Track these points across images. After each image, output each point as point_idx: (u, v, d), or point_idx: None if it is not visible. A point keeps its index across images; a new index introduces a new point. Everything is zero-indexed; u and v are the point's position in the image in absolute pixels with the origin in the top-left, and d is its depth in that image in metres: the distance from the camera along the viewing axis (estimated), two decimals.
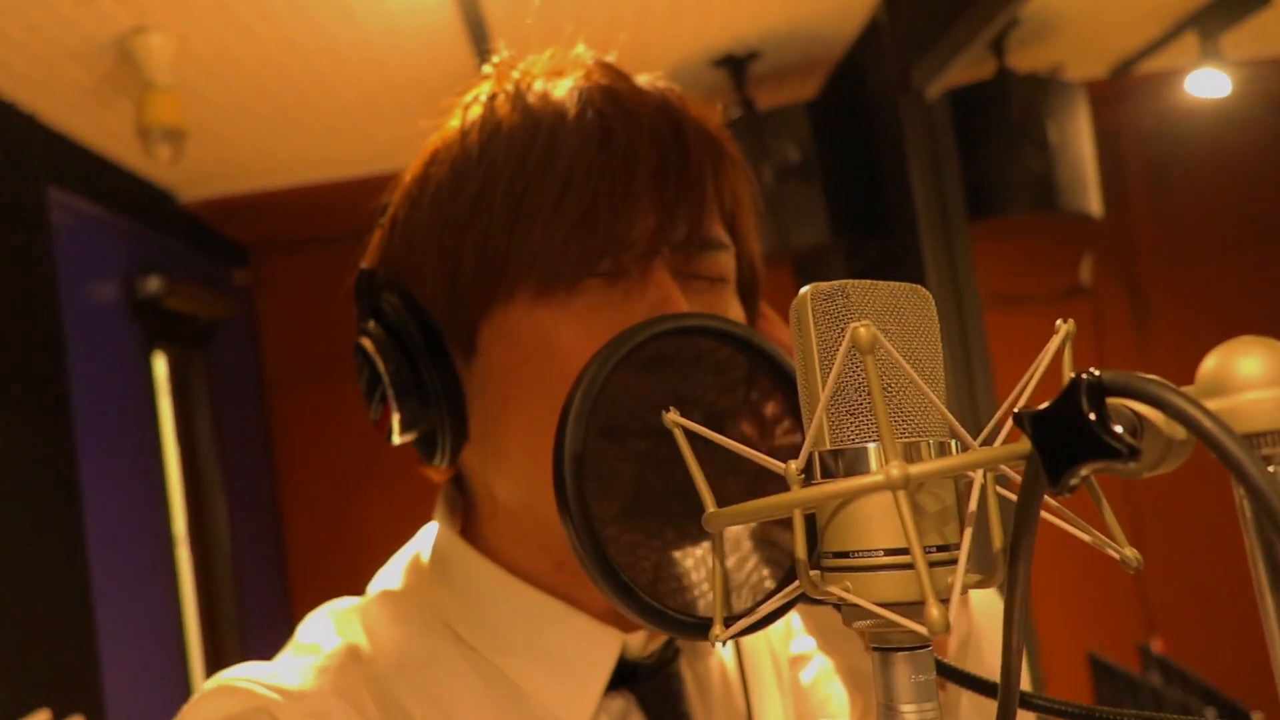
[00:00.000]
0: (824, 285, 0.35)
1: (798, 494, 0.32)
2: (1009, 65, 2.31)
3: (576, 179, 0.53)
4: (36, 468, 1.90)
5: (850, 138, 2.26)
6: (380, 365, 0.56)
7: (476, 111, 0.58)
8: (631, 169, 0.53)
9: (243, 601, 2.77)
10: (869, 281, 0.35)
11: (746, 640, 0.67)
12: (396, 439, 0.58)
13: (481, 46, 1.86)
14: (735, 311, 0.60)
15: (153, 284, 2.43)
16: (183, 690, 2.41)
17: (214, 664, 2.64)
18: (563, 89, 0.56)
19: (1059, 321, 0.35)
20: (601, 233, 0.53)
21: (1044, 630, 2.43)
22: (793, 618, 0.71)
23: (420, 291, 0.57)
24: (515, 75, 0.59)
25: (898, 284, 0.36)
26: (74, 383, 2.05)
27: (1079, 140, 2.28)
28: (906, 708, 0.34)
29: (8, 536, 1.78)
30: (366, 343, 0.57)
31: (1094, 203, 2.30)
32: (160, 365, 2.65)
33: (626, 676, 0.59)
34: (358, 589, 0.66)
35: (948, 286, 2.04)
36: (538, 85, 0.57)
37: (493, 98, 0.58)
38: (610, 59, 0.60)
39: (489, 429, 0.57)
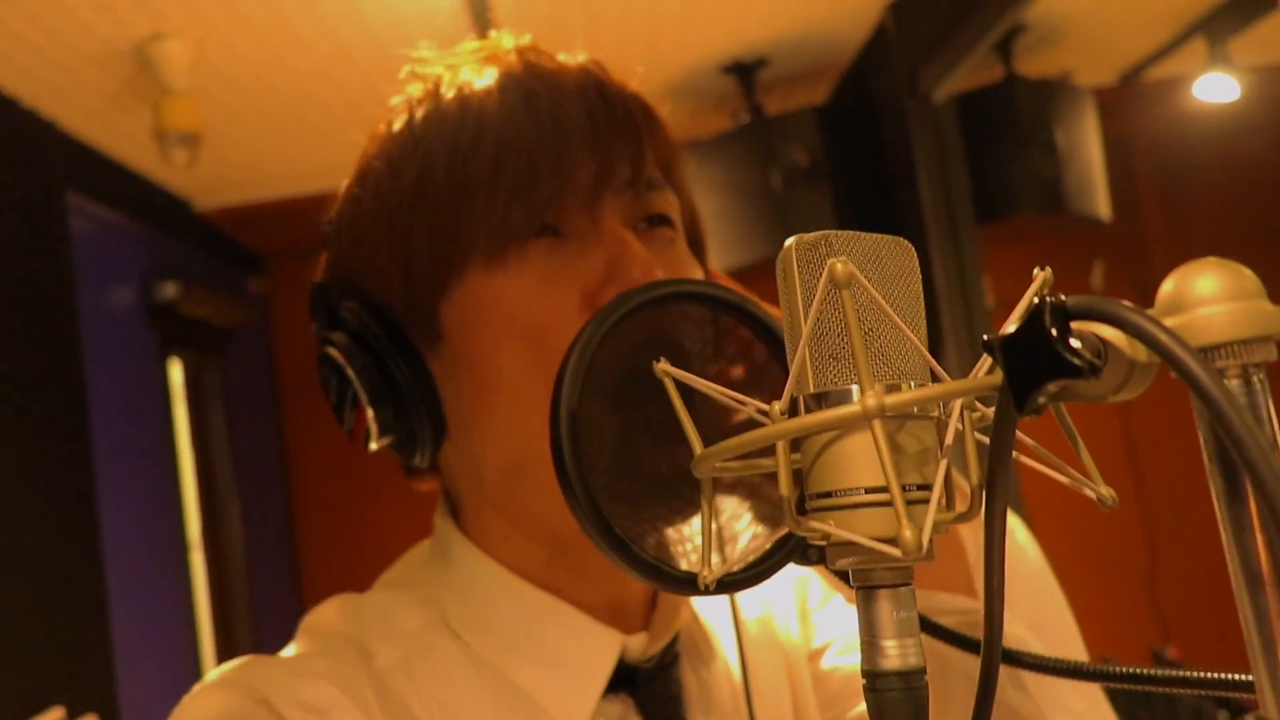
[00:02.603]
0: (808, 235, 0.36)
1: (779, 426, 0.33)
2: (1017, 70, 2.33)
3: (510, 144, 0.53)
4: (53, 471, 1.93)
5: (858, 142, 2.27)
6: (349, 370, 0.56)
7: (402, 112, 0.59)
8: (562, 125, 0.54)
9: (255, 605, 2.79)
10: (852, 232, 0.36)
11: (754, 648, 0.66)
12: (374, 444, 0.57)
13: None
14: (693, 265, 0.61)
15: (169, 290, 2.46)
16: None
17: None
18: (484, 74, 0.57)
19: (1036, 270, 0.36)
20: (542, 187, 0.53)
21: None
22: (813, 610, 0.71)
23: (376, 287, 0.58)
24: (437, 72, 0.59)
25: (881, 235, 0.37)
26: (90, 387, 2.08)
27: (1087, 144, 2.29)
28: (888, 643, 0.35)
29: (25, 539, 1.80)
30: (332, 351, 0.57)
31: (1102, 206, 2.30)
32: (175, 371, 2.68)
33: (625, 680, 0.58)
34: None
35: (956, 290, 2.04)
36: (461, 76, 0.58)
37: (417, 101, 0.59)
38: (526, 40, 0.60)
39: (467, 415, 0.56)
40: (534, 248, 0.55)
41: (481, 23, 1.90)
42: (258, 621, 2.77)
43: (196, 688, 0.54)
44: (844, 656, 0.67)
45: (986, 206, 2.16)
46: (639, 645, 0.58)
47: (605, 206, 0.55)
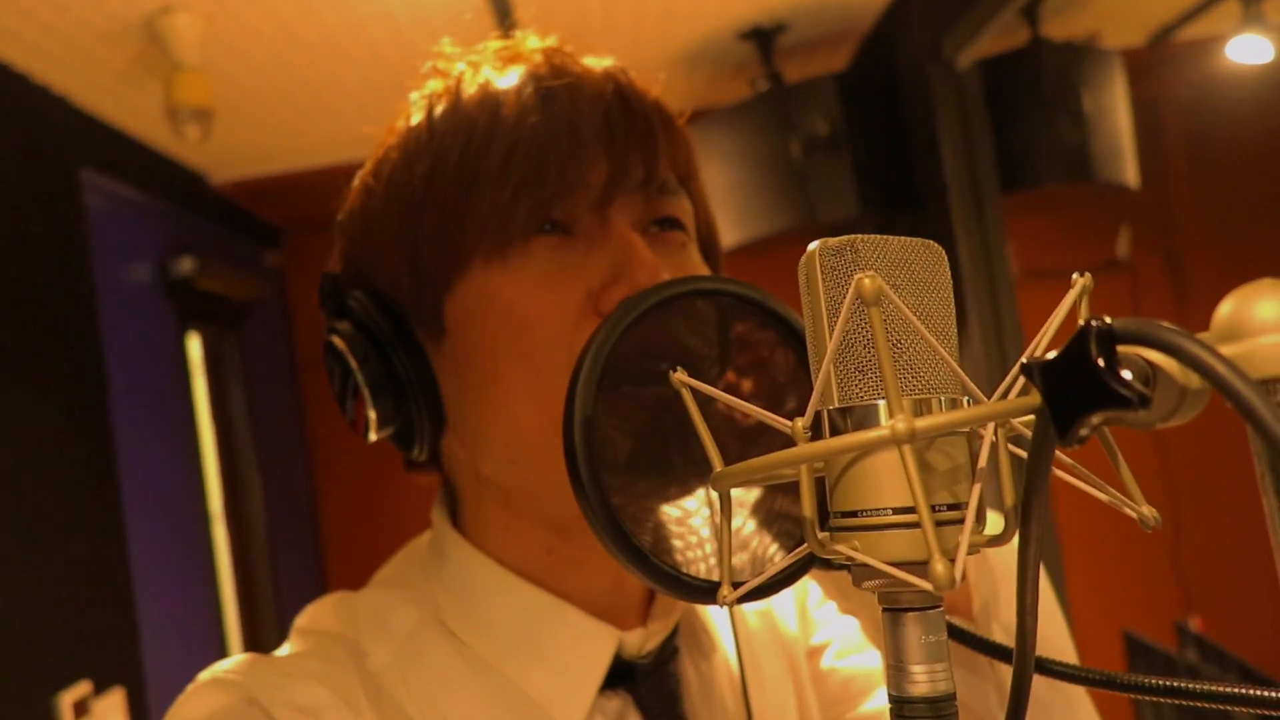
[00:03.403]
0: (832, 240, 0.34)
1: (803, 449, 0.31)
2: (1043, 34, 2.27)
3: (523, 140, 0.53)
4: (74, 448, 1.94)
5: (880, 110, 2.22)
6: (351, 360, 0.56)
7: (422, 106, 0.59)
8: (576, 124, 0.54)
9: (278, 577, 2.82)
10: (878, 236, 0.34)
11: (753, 640, 0.66)
12: (373, 435, 0.58)
13: (505, 21, 1.86)
14: (703, 271, 0.60)
15: (185, 265, 2.46)
16: None
17: (250, 638, 2.69)
18: (506, 73, 0.57)
19: (1075, 275, 0.34)
20: (550, 184, 0.53)
21: (1079, 607, 2.40)
22: (812, 609, 0.71)
23: (383, 278, 0.58)
24: (459, 70, 0.59)
25: (908, 239, 0.35)
26: (110, 363, 2.09)
27: (1115, 109, 2.23)
28: (917, 668, 0.33)
29: (49, 515, 1.82)
30: (336, 340, 0.57)
31: (1130, 173, 2.25)
32: (194, 345, 2.69)
33: (623, 675, 0.58)
34: None
35: (979, 260, 2.01)
36: (483, 74, 0.58)
37: (437, 97, 0.59)
38: (552, 42, 0.60)
39: (467, 408, 0.57)
40: (540, 244, 0.55)
41: None
42: (280, 593, 2.80)
43: (190, 686, 0.54)
44: (842, 659, 0.67)
45: (1011, 175, 2.11)
46: (636, 640, 0.58)
47: (615, 209, 0.55)
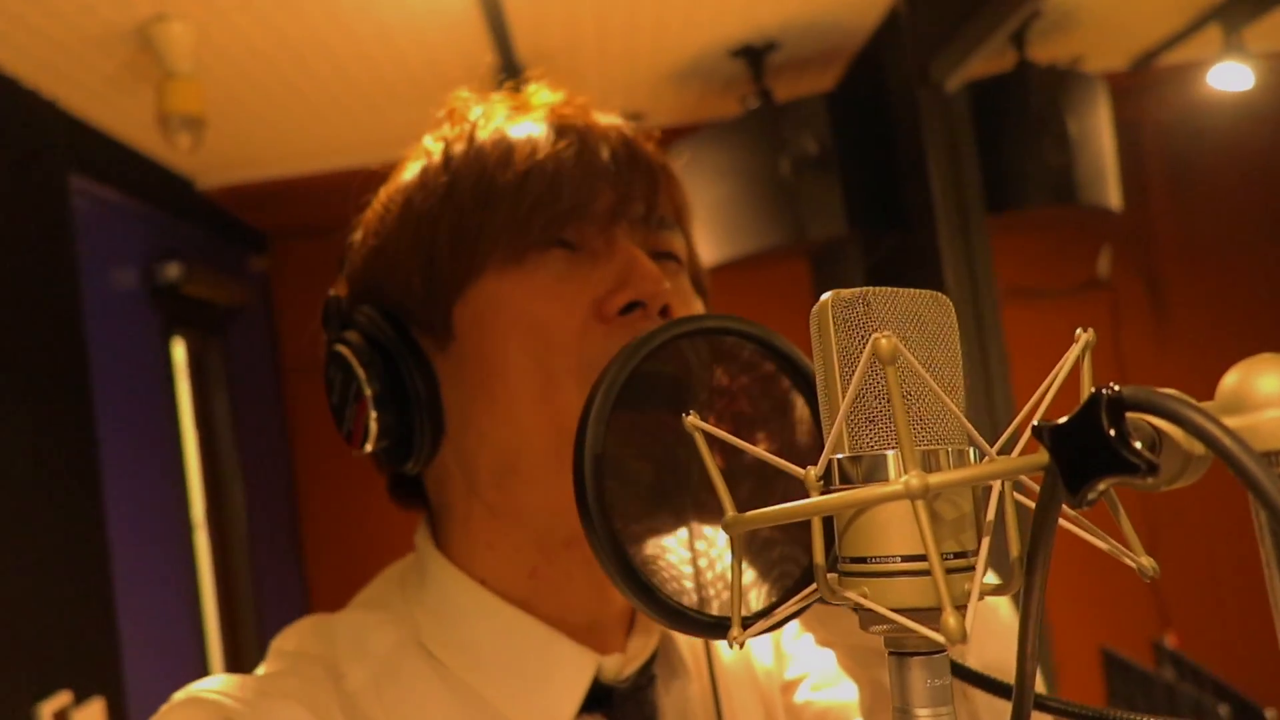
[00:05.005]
0: (845, 292, 0.35)
1: (818, 501, 0.32)
2: (1029, 57, 2.30)
3: (536, 165, 0.57)
4: (57, 452, 1.93)
5: (869, 130, 2.24)
6: (357, 367, 0.58)
7: (438, 147, 0.62)
8: (586, 158, 0.58)
9: (259, 585, 2.80)
10: (890, 289, 0.35)
11: (726, 669, 0.67)
12: (369, 445, 0.58)
13: (499, 33, 1.86)
14: (695, 299, 0.63)
15: (172, 270, 2.45)
16: (201, 673, 2.44)
17: (231, 647, 2.67)
18: (519, 122, 0.61)
19: (1079, 331, 0.35)
20: (565, 202, 0.57)
21: (1057, 625, 2.43)
22: (786, 643, 0.72)
23: (394, 289, 0.60)
24: (475, 115, 0.62)
25: (918, 291, 0.36)
26: (94, 368, 2.07)
27: (1099, 133, 2.26)
28: (922, 712, 0.34)
29: (30, 521, 1.80)
30: (342, 349, 0.59)
31: (1113, 196, 2.28)
32: (179, 351, 2.67)
33: (601, 699, 0.59)
34: (372, 573, 0.67)
35: (965, 280, 2.03)
36: (496, 121, 0.61)
37: (453, 139, 0.62)
38: (561, 96, 0.63)
39: (470, 413, 0.58)
40: (550, 256, 0.57)
41: (489, 2, 1.87)
42: (261, 601, 2.79)
43: (164, 706, 0.54)
44: (818, 692, 0.68)
45: (998, 197, 2.14)
46: (615, 665, 0.59)
47: (620, 230, 0.58)
